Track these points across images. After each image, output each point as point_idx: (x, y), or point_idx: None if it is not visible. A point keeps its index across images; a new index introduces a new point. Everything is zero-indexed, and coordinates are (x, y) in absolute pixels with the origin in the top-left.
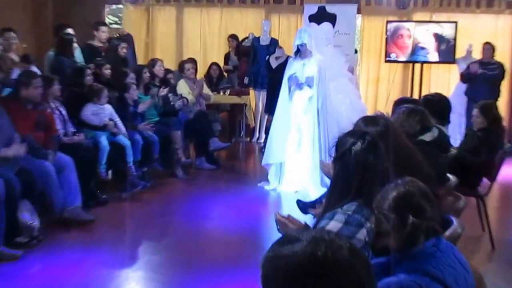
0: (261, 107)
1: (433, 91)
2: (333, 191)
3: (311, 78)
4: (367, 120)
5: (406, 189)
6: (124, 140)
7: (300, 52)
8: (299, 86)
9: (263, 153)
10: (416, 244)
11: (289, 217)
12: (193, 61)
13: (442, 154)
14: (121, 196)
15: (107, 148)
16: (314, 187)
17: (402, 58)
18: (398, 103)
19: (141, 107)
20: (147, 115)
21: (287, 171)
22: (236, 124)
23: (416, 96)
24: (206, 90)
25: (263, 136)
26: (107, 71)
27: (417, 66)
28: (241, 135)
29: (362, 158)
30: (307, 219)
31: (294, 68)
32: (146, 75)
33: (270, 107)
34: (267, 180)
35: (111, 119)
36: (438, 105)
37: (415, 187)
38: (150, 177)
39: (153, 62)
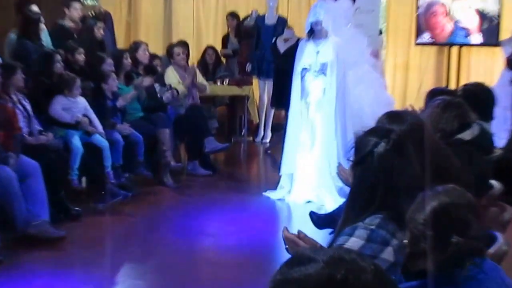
0: (266, 99)
1: (473, 80)
2: (352, 202)
3: (327, 65)
4: (392, 116)
5: (448, 199)
6: (100, 140)
7: (314, 32)
8: (314, 73)
9: (268, 154)
10: (457, 266)
11: (299, 234)
12: (184, 44)
13: (484, 156)
14: (97, 209)
15: (80, 150)
16: (331, 197)
17: (436, 40)
18: (432, 94)
19: (121, 101)
20: (129, 110)
21: (298, 177)
22: (237, 120)
23: (453, 86)
24: (200, 79)
25: (269, 134)
26: (80, 56)
27: (455, 49)
28: (243, 133)
29: (386, 161)
30: (322, 235)
31: (307, 53)
32: (127, 61)
33: (277, 100)
34: (275, 188)
35: (85, 115)
36: (480, 97)
37: (460, 197)
38: (132, 186)
39: (135, 46)
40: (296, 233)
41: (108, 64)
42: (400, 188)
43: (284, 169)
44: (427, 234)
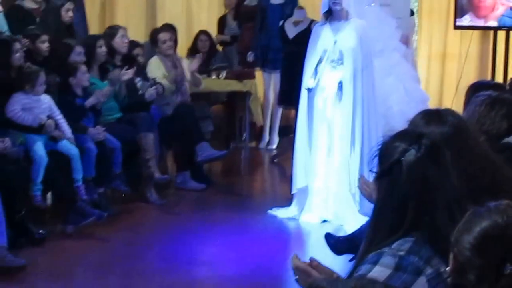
0: (272, 96)
1: None
2: (377, 222)
3: (348, 53)
4: (429, 116)
5: (501, 219)
6: (69, 148)
7: (332, 14)
8: (331, 63)
9: (275, 164)
10: None
11: (312, 262)
12: (171, 29)
13: None
14: (65, 231)
15: (45, 160)
16: (351, 216)
17: (480, 22)
18: (475, 89)
19: (93, 99)
20: (104, 111)
21: (313, 191)
22: (236, 122)
23: (500, 79)
24: (188, 75)
25: (276, 139)
26: (43, 45)
27: (501, 34)
28: (244, 138)
29: (418, 172)
30: (341, 262)
31: (323, 39)
32: (102, 50)
33: (286, 97)
34: (283, 205)
35: (50, 117)
36: None
37: None
38: (108, 203)
39: (111, 31)
40: (308, 260)
41: (77, 54)
42: (436, 204)
43: (297, 183)
44: (475, 262)
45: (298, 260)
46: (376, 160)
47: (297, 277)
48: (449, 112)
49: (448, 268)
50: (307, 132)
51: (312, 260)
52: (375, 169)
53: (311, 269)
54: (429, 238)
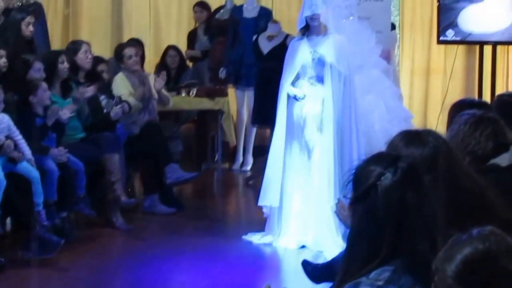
0: (246, 114)
1: None
2: (352, 250)
3: (326, 70)
4: (409, 137)
5: (485, 247)
6: (29, 169)
7: (310, 29)
8: (310, 79)
9: (250, 186)
10: None
11: None
12: (137, 43)
13: None
14: (24, 258)
15: (3, 182)
16: (332, 241)
17: (466, 35)
18: (457, 108)
19: (51, 116)
20: (67, 130)
21: (290, 215)
22: (208, 142)
23: (487, 94)
24: (155, 92)
25: (250, 160)
26: (1, 60)
27: (488, 48)
28: (216, 159)
29: (395, 197)
30: None
31: (300, 55)
32: (64, 66)
33: (260, 115)
34: (259, 230)
35: (8, 137)
36: None
37: (499, 243)
38: (72, 228)
39: (74, 46)
40: None
41: (36, 70)
42: (415, 231)
43: (263, 200)
44: None
45: None
46: (350, 185)
47: None
48: (430, 133)
49: None
50: (283, 149)
51: None
52: (349, 195)
53: None
54: (409, 266)
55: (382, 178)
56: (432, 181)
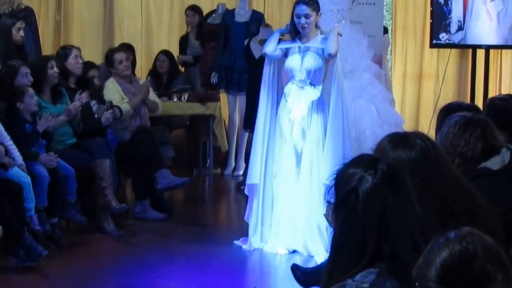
0: (238, 120)
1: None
2: (336, 254)
3: (317, 72)
4: (396, 140)
5: (463, 247)
6: (20, 175)
7: (301, 33)
8: (299, 83)
9: (241, 191)
10: None
11: None
12: (128, 48)
13: None
14: (12, 264)
15: None
16: (322, 246)
17: (458, 39)
18: (447, 111)
19: (43, 123)
20: (58, 136)
21: (279, 220)
22: (199, 148)
23: (480, 99)
24: (151, 95)
25: (242, 165)
26: None
27: (481, 52)
28: (208, 165)
29: (376, 199)
30: None
31: (290, 58)
32: (53, 71)
33: (252, 120)
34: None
35: None
36: (509, 114)
37: (479, 244)
38: (62, 234)
39: (64, 52)
40: None
41: (23, 76)
42: (397, 233)
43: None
44: None
45: None
46: (332, 190)
47: None
48: (417, 135)
49: None
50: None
51: None
52: (332, 200)
53: None
54: (393, 269)
55: (363, 181)
56: (419, 184)
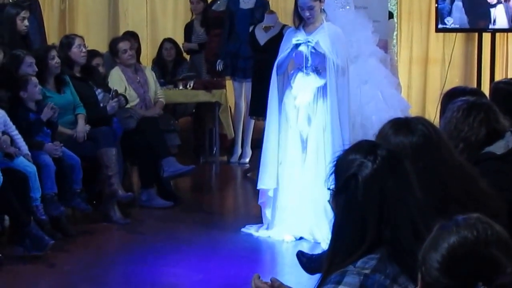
0: (243, 106)
1: None
2: (336, 241)
3: (321, 59)
4: (398, 125)
5: (470, 234)
6: (26, 165)
7: (305, 22)
8: (304, 69)
9: (248, 178)
10: None
11: (274, 283)
12: (132, 36)
13: None
14: (17, 253)
15: (0, 179)
16: (328, 232)
17: (464, 24)
18: (450, 96)
19: (46, 112)
20: (63, 124)
21: (286, 207)
22: (205, 135)
23: (486, 83)
24: (152, 85)
25: (249, 152)
26: None
27: (487, 36)
28: (214, 152)
29: (375, 185)
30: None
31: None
32: (55, 61)
33: (257, 107)
34: (257, 222)
35: (5, 133)
36: None
37: (486, 230)
38: (68, 223)
39: (68, 41)
40: (269, 281)
41: (27, 65)
42: (397, 219)
43: (262, 183)
44: (444, 282)
45: (260, 280)
46: (331, 177)
47: None
48: (419, 120)
49: None
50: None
51: (273, 280)
52: (332, 186)
53: None
54: (392, 254)
55: (362, 166)
56: (421, 169)
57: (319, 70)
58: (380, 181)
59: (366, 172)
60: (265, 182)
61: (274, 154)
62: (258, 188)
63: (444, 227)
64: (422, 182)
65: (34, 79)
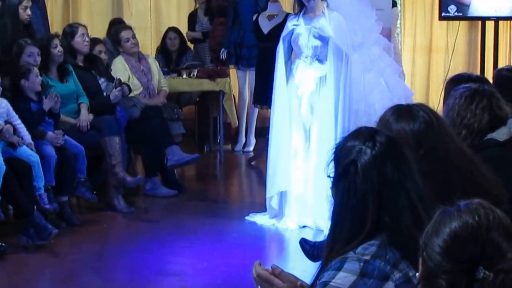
0: (247, 95)
1: None
2: (336, 227)
3: (324, 48)
4: (399, 112)
5: (472, 219)
6: (29, 154)
7: (307, 7)
8: (305, 58)
9: (252, 167)
10: None
11: (274, 270)
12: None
13: None
14: (22, 243)
15: (3, 168)
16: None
17: (467, 11)
18: (454, 82)
19: (48, 102)
20: (66, 113)
21: (291, 195)
22: (210, 123)
23: (490, 71)
24: (155, 74)
25: (253, 141)
26: None
27: (490, 24)
28: (218, 141)
29: (374, 171)
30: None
31: (297, 32)
32: (57, 50)
33: (261, 95)
34: (261, 210)
35: (7, 122)
36: None
37: (488, 216)
38: (72, 212)
39: (71, 30)
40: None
41: (28, 55)
42: (397, 205)
43: (272, 189)
44: (446, 266)
45: (260, 268)
46: (331, 164)
47: (259, 286)
48: (421, 107)
49: (417, 274)
50: (282, 134)
51: (274, 267)
52: (332, 174)
53: (273, 277)
54: (392, 241)
55: (361, 153)
56: (423, 156)
57: (321, 59)
58: (379, 167)
59: (365, 158)
60: (276, 185)
61: (284, 155)
62: (268, 196)
63: (446, 212)
64: (423, 169)
65: (36, 70)
